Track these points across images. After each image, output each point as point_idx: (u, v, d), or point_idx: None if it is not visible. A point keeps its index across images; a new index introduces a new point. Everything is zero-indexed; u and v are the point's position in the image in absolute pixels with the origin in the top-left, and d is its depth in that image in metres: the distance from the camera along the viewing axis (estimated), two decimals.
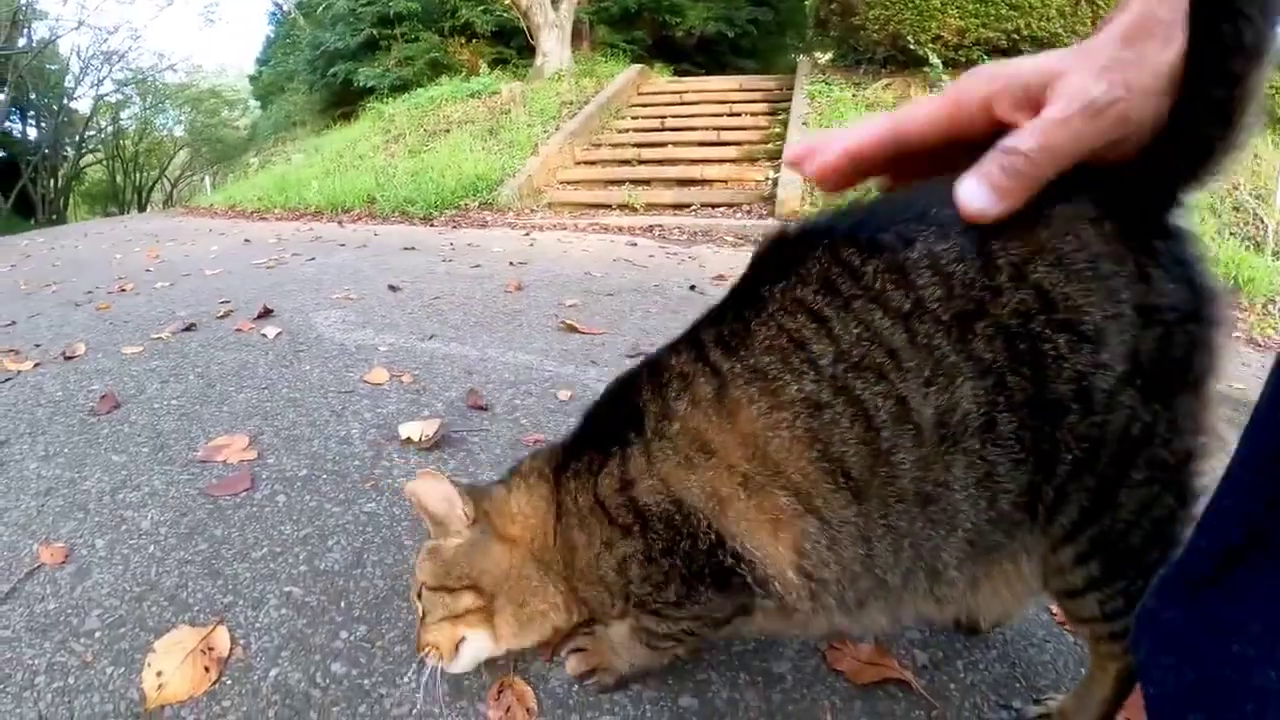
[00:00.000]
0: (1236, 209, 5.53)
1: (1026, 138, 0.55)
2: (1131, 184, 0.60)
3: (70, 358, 2.38)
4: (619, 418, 0.82)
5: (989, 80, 0.58)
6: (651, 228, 6.08)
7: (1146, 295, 0.61)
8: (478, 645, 0.93)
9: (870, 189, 0.71)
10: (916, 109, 0.63)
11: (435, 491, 0.91)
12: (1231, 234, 5.24)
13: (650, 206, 7.18)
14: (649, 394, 0.78)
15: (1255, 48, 0.51)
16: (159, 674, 1.00)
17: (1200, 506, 0.66)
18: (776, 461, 0.70)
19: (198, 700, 0.98)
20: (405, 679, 1.02)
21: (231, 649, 1.07)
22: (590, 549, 0.85)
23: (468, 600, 0.91)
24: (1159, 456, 0.64)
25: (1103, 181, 0.59)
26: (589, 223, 6.41)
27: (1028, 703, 0.95)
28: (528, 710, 0.95)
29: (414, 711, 0.97)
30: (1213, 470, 0.64)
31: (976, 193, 0.59)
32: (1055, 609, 1.12)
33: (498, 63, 13.06)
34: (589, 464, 0.85)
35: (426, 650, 0.92)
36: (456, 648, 0.92)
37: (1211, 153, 0.57)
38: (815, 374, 0.67)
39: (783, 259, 0.71)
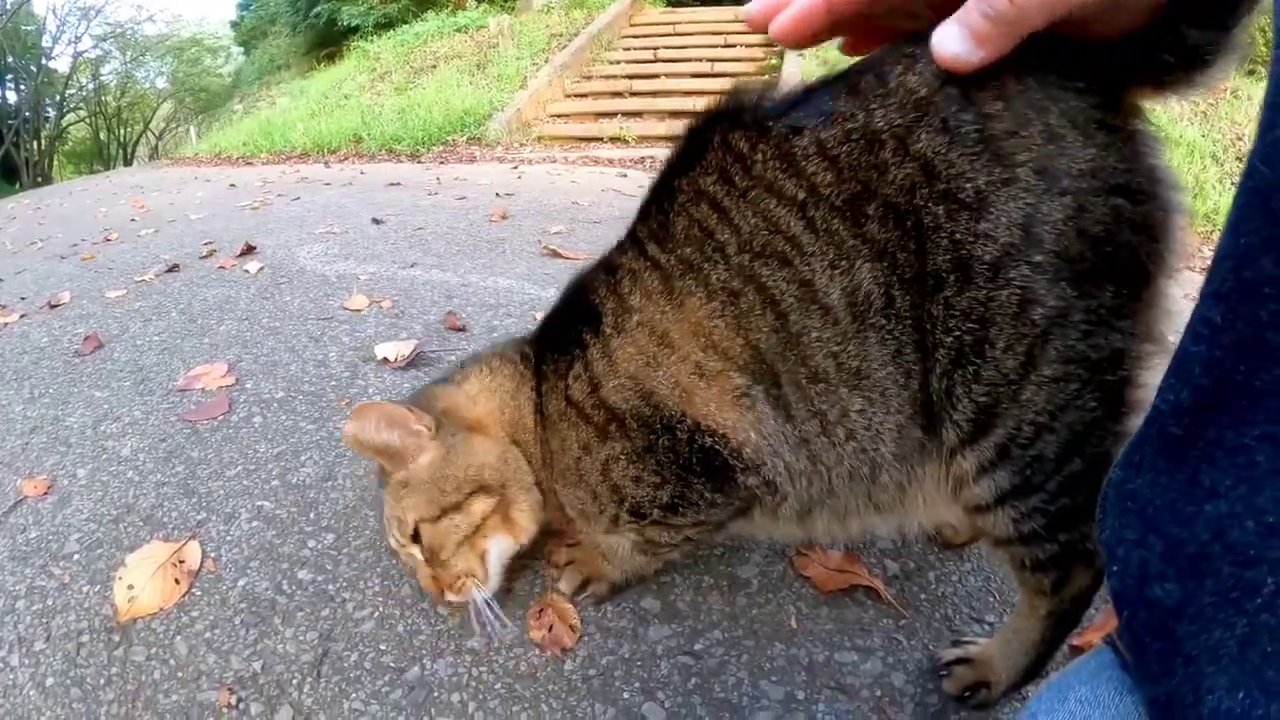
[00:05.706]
0: (1240, 159, 5.38)
1: None
2: (1083, 49, 0.55)
3: (55, 306, 2.36)
4: (578, 317, 0.79)
5: None
6: (643, 159, 5.92)
7: (1053, 158, 0.55)
8: (501, 549, 0.86)
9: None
10: None
11: (378, 420, 0.80)
12: (1233, 184, 5.10)
13: (642, 139, 7.01)
14: (604, 292, 0.76)
15: None
16: (130, 587, 1.01)
17: (1138, 420, 0.60)
18: (724, 348, 0.68)
19: (168, 612, 0.99)
20: (368, 583, 1.03)
21: (202, 562, 1.07)
22: (568, 453, 0.81)
23: (481, 505, 0.83)
24: (1076, 350, 0.58)
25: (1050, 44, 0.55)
26: (579, 155, 6.25)
27: (975, 629, 0.92)
28: (570, 627, 0.92)
29: (375, 614, 0.97)
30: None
31: (953, 36, 0.53)
32: None
33: None
34: (556, 367, 0.81)
35: (461, 584, 0.84)
36: (484, 563, 0.84)
37: (1199, 45, 0.53)
38: (725, 263, 0.66)
39: (692, 149, 0.69)
